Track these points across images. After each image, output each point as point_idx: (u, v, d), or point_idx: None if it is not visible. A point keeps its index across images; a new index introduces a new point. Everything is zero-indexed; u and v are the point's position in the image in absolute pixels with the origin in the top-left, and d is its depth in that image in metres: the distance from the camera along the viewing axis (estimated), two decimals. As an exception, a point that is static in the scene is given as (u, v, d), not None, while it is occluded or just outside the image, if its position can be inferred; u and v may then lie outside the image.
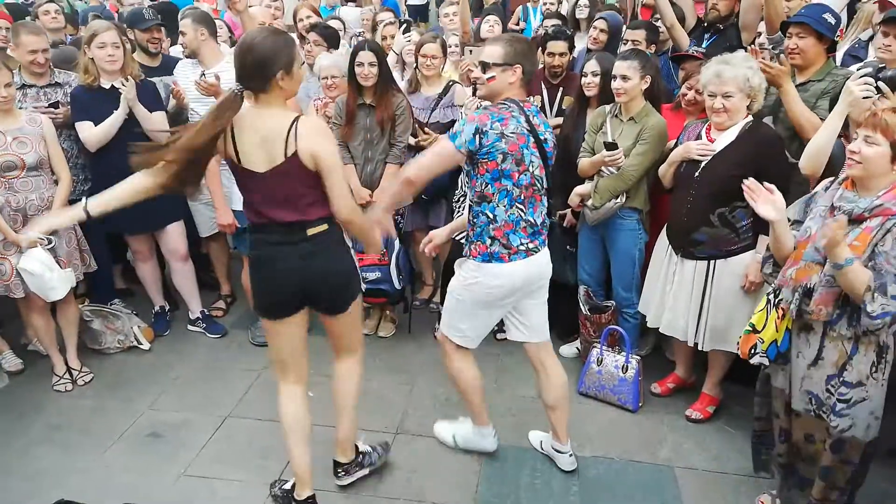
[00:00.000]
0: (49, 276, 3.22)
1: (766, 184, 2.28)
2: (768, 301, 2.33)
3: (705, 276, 2.97)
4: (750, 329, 2.36)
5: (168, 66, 4.01)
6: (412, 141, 3.82)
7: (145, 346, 3.82)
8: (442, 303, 4.08)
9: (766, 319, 2.31)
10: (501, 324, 3.98)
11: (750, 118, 2.89)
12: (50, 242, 3.28)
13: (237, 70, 2.19)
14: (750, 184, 2.30)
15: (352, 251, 2.51)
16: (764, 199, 2.25)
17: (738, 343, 2.88)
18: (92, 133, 3.47)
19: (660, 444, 3.05)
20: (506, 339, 3.93)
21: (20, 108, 3.42)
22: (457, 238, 3.81)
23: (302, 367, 2.55)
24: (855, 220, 2.12)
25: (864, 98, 2.40)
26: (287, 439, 2.51)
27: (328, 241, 2.34)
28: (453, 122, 3.93)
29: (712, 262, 2.95)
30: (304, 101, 4.03)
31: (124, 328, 3.78)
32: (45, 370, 3.58)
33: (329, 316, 2.51)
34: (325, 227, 2.31)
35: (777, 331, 2.28)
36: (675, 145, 3.10)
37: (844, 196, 2.17)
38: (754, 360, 2.34)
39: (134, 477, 2.80)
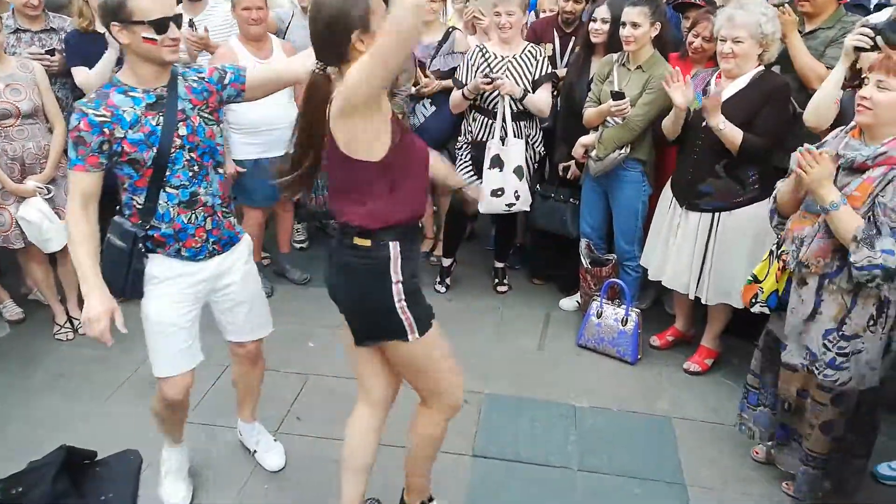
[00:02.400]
0: (47, 225, 3.20)
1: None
2: (771, 252, 2.31)
3: (709, 229, 2.94)
4: (751, 279, 2.36)
5: None
6: (413, 89, 3.74)
7: (146, 296, 3.81)
8: (444, 255, 4.09)
9: (768, 270, 2.29)
10: (503, 275, 4.02)
11: (762, 68, 2.81)
12: (49, 192, 3.26)
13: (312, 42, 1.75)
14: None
15: (397, 286, 1.86)
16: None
17: (738, 296, 2.93)
18: (88, 77, 3.39)
19: (657, 396, 3.07)
20: (506, 292, 3.97)
21: (13, 53, 3.34)
22: (458, 190, 3.78)
23: (373, 389, 2.12)
24: (858, 169, 2.06)
25: (854, 49, 2.33)
26: (340, 469, 2.19)
27: (365, 264, 1.84)
28: (454, 69, 3.84)
29: (717, 214, 2.92)
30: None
31: (124, 278, 3.77)
32: (45, 319, 3.59)
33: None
34: (368, 242, 1.82)
35: (777, 281, 2.27)
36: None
37: (850, 144, 2.11)
38: (755, 309, 2.35)
39: (136, 424, 2.82)
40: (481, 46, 3.61)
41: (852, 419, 2.21)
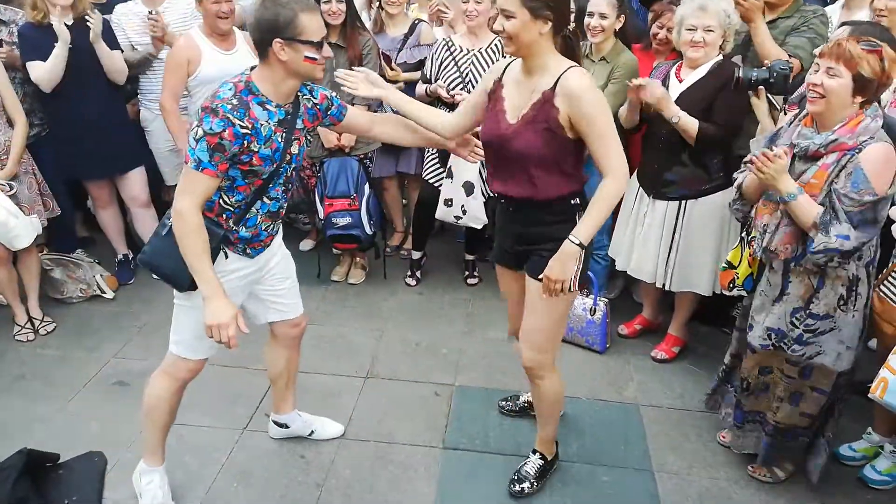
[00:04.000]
0: (14, 222, 3.12)
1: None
2: (741, 239, 2.37)
3: (675, 217, 2.97)
4: (726, 265, 2.43)
5: (110, 4, 3.82)
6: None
7: (109, 294, 3.75)
8: (414, 249, 4.08)
9: (741, 256, 2.35)
10: (473, 268, 4.03)
11: (720, 57, 2.86)
12: (11, 188, 3.17)
13: None
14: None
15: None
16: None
17: (704, 284, 2.99)
18: (43, 72, 3.31)
19: (626, 384, 3.10)
20: (476, 284, 3.97)
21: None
22: (428, 181, 3.77)
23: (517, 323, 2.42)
24: (812, 157, 2.11)
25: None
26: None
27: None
28: (421, 62, 3.82)
29: (683, 202, 2.95)
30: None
31: (86, 277, 3.70)
32: (5, 320, 3.49)
33: None
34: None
35: (750, 266, 2.35)
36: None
37: (802, 133, 2.16)
38: (734, 293, 2.42)
39: (100, 426, 2.78)
40: (447, 39, 3.59)
41: (830, 399, 2.27)
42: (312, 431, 2.70)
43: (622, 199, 3.19)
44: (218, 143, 1.84)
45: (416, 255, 4.05)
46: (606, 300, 3.35)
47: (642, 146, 3.13)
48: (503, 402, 2.89)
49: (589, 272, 3.30)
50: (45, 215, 3.40)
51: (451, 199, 3.58)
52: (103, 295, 3.74)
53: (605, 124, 1.94)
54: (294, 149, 2.06)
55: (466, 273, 4.05)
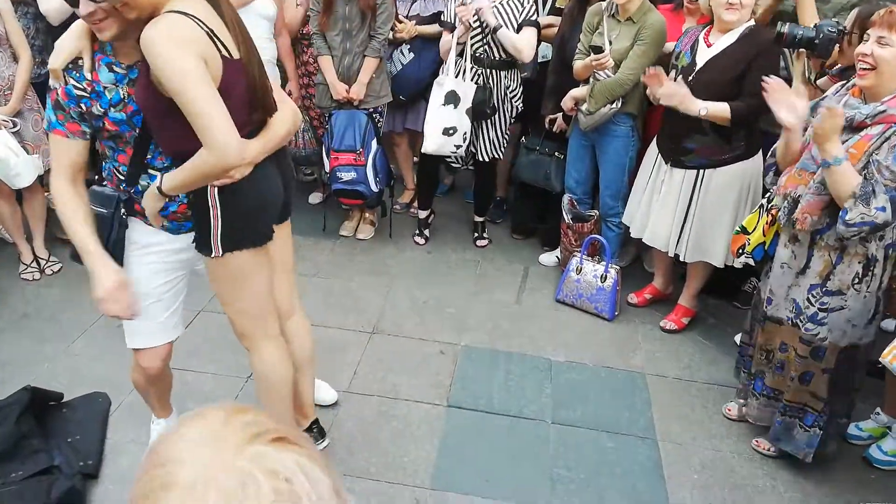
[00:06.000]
0: (15, 160, 3.07)
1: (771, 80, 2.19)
2: (761, 206, 2.30)
3: (693, 186, 2.91)
4: (740, 230, 2.37)
5: None
6: (391, 34, 3.61)
7: (115, 237, 3.71)
8: (420, 208, 4.02)
9: (757, 222, 2.28)
10: (482, 229, 3.98)
11: (752, 22, 2.75)
12: (15, 126, 3.11)
13: None
14: (772, 82, 2.19)
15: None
16: (783, 100, 2.15)
17: (718, 255, 2.94)
18: (51, 3, 3.21)
19: (633, 353, 3.08)
20: (485, 246, 3.93)
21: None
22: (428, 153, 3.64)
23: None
24: (856, 128, 2.04)
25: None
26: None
27: None
28: (434, 14, 3.71)
29: (701, 171, 2.88)
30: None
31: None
32: (11, 258, 3.47)
33: None
34: None
35: (764, 235, 2.28)
36: (674, 50, 2.96)
37: (849, 102, 2.08)
38: (740, 260, 2.36)
39: (104, 367, 2.77)
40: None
41: (833, 377, 2.23)
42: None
43: (640, 164, 3.17)
44: (56, 100, 1.69)
45: (423, 214, 3.99)
46: (617, 268, 3.31)
47: (662, 112, 3.04)
48: None
49: (601, 238, 3.30)
50: (48, 156, 3.34)
51: (454, 128, 3.45)
52: (109, 238, 3.70)
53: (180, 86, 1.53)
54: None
55: (476, 234, 4.00)
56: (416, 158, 4.44)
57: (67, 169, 1.74)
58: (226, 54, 1.62)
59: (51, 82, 1.71)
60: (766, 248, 2.30)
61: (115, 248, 1.85)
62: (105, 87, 1.69)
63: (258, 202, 1.82)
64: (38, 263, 3.42)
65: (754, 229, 2.32)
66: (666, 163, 2.98)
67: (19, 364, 2.77)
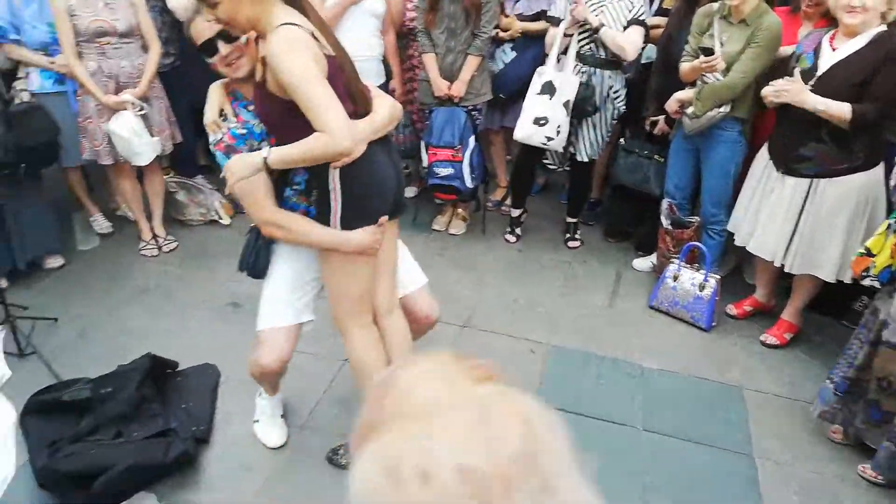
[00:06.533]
0: (137, 140, 3.30)
1: None
2: (889, 226, 2.18)
3: (805, 195, 2.79)
4: (864, 252, 2.25)
5: None
6: (494, 32, 3.63)
7: (226, 220, 3.94)
8: (513, 206, 4.04)
9: (884, 244, 2.17)
10: (574, 230, 3.95)
11: (883, 27, 2.60)
12: (142, 109, 3.34)
13: None
14: None
15: None
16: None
17: (828, 269, 2.81)
18: (179, 3, 3.43)
19: (730, 365, 2.99)
20: (577, 248, 3.90)
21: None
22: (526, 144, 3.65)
23: None
24: None
25: None
26: None
27: None
28: (538, 14, 3.71)
29: (815, 180, 2.75)
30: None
31: (207, 202, 3.90)
32: (132, 235, 3.75)
33: None
34: None
35: (892, 256, 2.15)
36: (793, 54, 2.84)
37: None
38: (865, 283, 2.25)
39: (214, 342, 2.95)
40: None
41: None
42: None
43: (749, 171, 3.06)
44: (225, 147, 2.00)
45: (516, 212, 4.01)
46: (717, 277, 3.21)
47: (777, 115, 2.93)
48: None
49: (701, 245, 3.21)
50: (169, 142, 3.58)
51: (545, 119, 3.41)
52: (220, 221, 3.94)
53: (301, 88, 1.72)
54: None
55: (568, 235, 3.98)
56: (509, 157, 4.46)
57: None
58: (326, 52, 1.80)
59: (211, 139, 2.02)
60: (893, 270, 2.18)
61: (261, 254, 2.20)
62: (252, 124, 2.02)
63: (373, 186, 1.95)
64: (157, 241, 3.68)
65: (880, 251, 2.20)
66: (777, 169, 2.86)
67: (138, 333, 2.99)
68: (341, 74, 1.85)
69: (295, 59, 1.70)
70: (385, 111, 1.97)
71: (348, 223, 1.95)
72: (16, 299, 3.01)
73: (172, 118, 3.62)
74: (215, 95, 2.06)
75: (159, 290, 3.34)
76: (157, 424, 2.38)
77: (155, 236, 3.69)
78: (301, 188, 2.06)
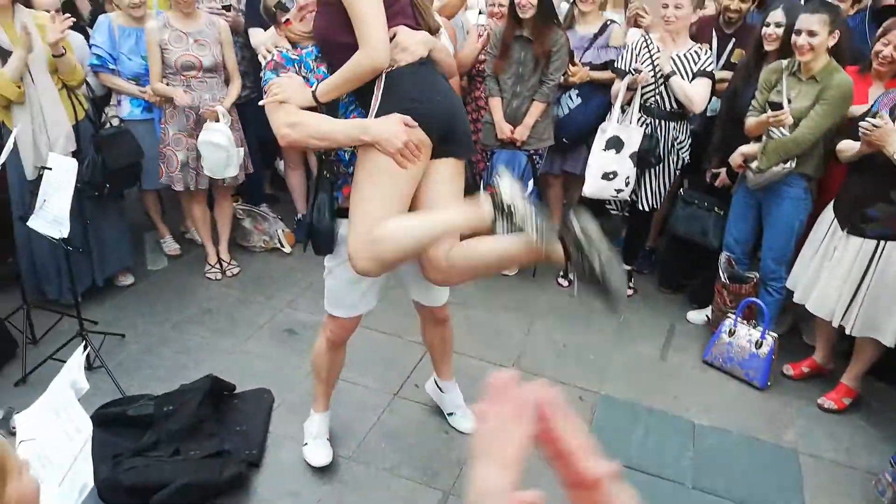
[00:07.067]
0: (233, 150, 3.44)
1: None
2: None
3: (870, 257, 2.73)
4: None
5: None
6: (562, 79, 3.71)
7: (287, 249, 4.08)
8: (569, 250, 4.05)
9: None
10: (629, 278, 3.93)
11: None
12: (229, 121, 3.47)
13: None
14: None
15: None
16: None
17: (891, 334, 2.72)
18: (262, 39, 3.63)
19: (785, 427, 2.91)
20: (631, 296, 3.88)
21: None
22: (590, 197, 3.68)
23: None
24: None
25: None
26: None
27: None
28: (606, 63, 3.77)
29: (882, 242, 2.70)
30: (459, 29, 4.00)
31: (270, 230, 4.06)
32: (198, 257, 3.92)
33: None
34: None
35: None
36: (868, 111, 2.81)
37: None
38: None
39: (270, 366, 3.05)
40: (646, 36, 3.51)
41: None
42: (452, 413, 2.77)
43: (812, 228, 3.02)
44: (273, 64, 2.05)
45: (571, 256, 4.02)
46: (775, 335, 3.15)
47: (846, 173, 2.88)
48: None
49: (760, 302, 3.16)
50: (243, 170, 3.76)
51: (614, 172, 3.46)
52: (282, 248, 4.09)
53: None
54: None
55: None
56: (564, 202, 4.49)
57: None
58: None
59: (262, 53, 2.10)
60: None
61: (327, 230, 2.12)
62: (307, 58, 2.06)
63: (417, 94, 1.92)
64: (221, 265, 3.84)
65: None
66: (842, 228, 2.82)
67: (200, 353, 3.12)
68: None
69: None
70: (444, 42, 2.09)
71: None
72: (87, 314, 3.17)
73: (245, 148, 3.80)
74: (269, 38, 2.17)
75: (221, 313, 3.47)
76: (214, 445, 2.46)
77: (220, 260, 3.85)
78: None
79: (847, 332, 2.85)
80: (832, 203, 2.93)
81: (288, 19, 2.11)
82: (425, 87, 1.94)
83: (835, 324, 2.88)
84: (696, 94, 3.35)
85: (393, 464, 2.56)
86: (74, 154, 3.10)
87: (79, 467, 1.54)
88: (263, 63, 2.08)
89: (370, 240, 1.86)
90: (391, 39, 1.91)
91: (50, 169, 2.67)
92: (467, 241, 1.95)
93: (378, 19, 1.83)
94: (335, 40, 1.93)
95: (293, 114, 1.94)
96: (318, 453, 2.51)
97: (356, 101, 2.02)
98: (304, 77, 2.02)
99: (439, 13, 3.82)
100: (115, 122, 3.38)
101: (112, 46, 3.47)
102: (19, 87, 2.96)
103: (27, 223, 2.71)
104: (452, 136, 1.99)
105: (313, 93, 1.95)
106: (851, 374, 3.03)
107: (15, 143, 2.81)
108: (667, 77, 3.36)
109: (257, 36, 3.66)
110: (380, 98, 1.91)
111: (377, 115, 1.90)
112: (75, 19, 3.20)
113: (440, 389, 2.77)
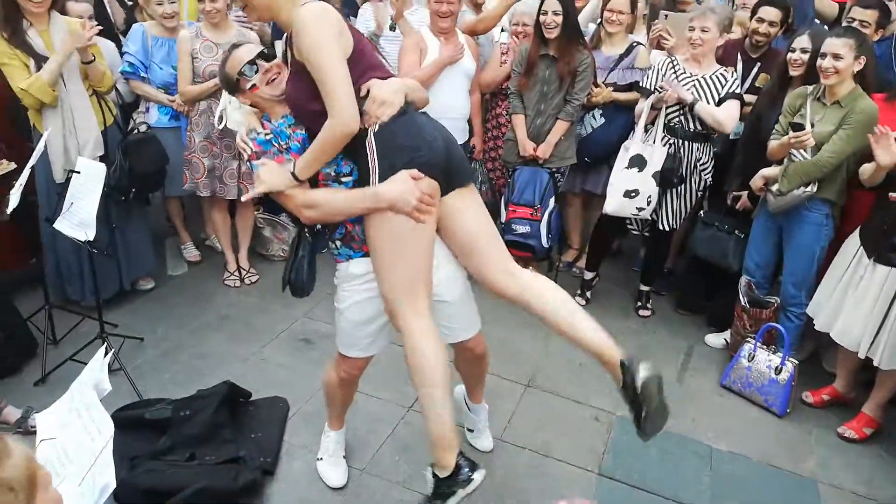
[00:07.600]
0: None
1: None
2: None
3: (897, 287, 2.70)
4: None
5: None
6: (586, 100, 3.72)
7: (305, 259, 4.10)
8: (587, 268, 4.04)
9: None
10: (647, 299, 3.91)
11: None
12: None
13: None
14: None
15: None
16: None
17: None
18: (235, 117, 3.69)
19: (805, 455, 2.86)
20: (648, 317, 3.85)
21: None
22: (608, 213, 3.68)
23: None
24: None
25: None
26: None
27: None
28: (631, 85, 3.78)
29: (910, 272, 2.67)
30: (485, 46, 4.03)
31: (290, 239, 4.07)
32: (218, 264, 3.96)
33: None
34: None
35: None
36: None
37: None
38: None
39: (286, 374, 3.06)
40: (672, 59, 3.52)
41: None
42: (472, 431, 2.73)
43: (836, 256, 2.99)
44: (254, 154, 2.02)
45: (589, 275, 4.01)
46: (795, 362, 3.11)
47: (874, 200, 2.86)
48: None
49: (780, 327, 3.13)
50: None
51: (636, 191, 3.46)
52: (300, 258, 4.11)
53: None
54: None
55: (639, 304, 3.94)
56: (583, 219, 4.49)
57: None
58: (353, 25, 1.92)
59: (240, 148, 2.06)
60: None
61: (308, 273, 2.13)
62: (279, 127, 2.04)
63: (413, 143, 1.89)
64: (240, 272, 3.87)
65: None
66: (868, 257, 2.79)
67: (218, 359, 3.14)
68: (372, 44, 1.98)
69: (316, 32, 1.79)
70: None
71: (386, 178, 1.88)
72: (107, 317, 3.19)
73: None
74: (242, 117, 2.11)
75: (238, 320, 3.49)
76: (229, 451, 2.47)
77: (239, 268, 3.88)
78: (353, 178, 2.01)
79: (875, 363, 2.81)
80: (858, 230, 2.90)
81: (254, 85, 2.01)
82: (417, 133, 1.92)
83: (861, 355, 2.84)
84: (726, 117, 3.34)
85: (406, 477, 2.55)
86: (102, 159, 3.15)
87: (100, 468, 1.55)
88: (246, 157, 2.04)
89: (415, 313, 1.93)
90: (365, 97, 1.89)
91: (78, 172, 2.72)
92: (574, 312, 2.18)
93: (343, 85, 1.82)
94: (306, 108, 1.93)
95: (301, 195, 1.94)
96: (335, 473, 2.50)
97: (343, 157, 1.98)
98: (285, 148, 1.99)
99: (473, 29, 3.86)
100: (143, 128, 3.43)
101: (144, 55, 3.54)
102: (54, 91, 3.02)
103: (53, 225, 2.75)
104: (453, 167, 1.99)
105: (292, 173, 1.91)
106: (873, 403, 2.98)
107: (45, 146, 2.87)
108: (691, 106, 3.36)
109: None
110: (377, 160, 1.88)
111: (380, 177, 1.87)
112: (107, 27, 3.26)
113: (468, 408, 2.73)
